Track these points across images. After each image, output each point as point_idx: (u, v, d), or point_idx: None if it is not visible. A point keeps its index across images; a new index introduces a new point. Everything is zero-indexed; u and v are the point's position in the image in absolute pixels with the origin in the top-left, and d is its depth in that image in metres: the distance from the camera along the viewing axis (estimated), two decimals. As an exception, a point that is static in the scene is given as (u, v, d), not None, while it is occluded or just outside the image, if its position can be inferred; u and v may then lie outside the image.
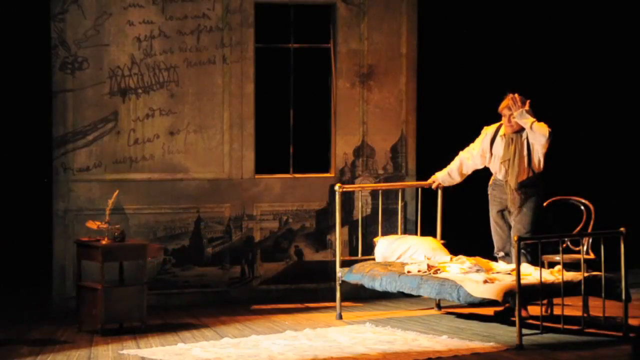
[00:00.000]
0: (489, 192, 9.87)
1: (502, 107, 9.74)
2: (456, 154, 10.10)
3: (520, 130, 9.67)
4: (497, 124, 9.88)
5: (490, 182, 9.89)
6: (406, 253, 9.83)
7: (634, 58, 13.08)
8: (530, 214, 9.60)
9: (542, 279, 8.54)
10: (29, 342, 8.83)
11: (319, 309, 10.30)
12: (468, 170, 10.06)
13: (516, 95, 9.64)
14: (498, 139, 9.79)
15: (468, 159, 10.00)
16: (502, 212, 9.78)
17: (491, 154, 9.82)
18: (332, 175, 11.00)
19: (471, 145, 10.01)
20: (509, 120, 9.68)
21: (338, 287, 9.81)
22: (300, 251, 10.86)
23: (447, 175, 10.10)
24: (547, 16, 12.84)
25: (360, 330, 9.11)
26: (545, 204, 9.75)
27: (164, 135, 10.61)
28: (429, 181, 10.18)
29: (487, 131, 9.94)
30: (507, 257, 9.79)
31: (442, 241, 10.09)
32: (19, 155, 11.55)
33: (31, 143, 11.41)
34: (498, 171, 9.78)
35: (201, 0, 10.62)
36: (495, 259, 9.69)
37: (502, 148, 9.72)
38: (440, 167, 10.89)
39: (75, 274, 9.66)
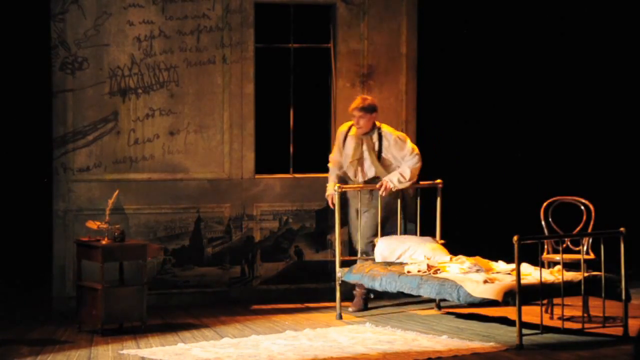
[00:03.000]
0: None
1: (352, 109, 10.01)
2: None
3: (369, 132, 9.96)
4: (350, 123, 10.15)
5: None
6: (406, 253, 9.83)
7: (638, 58, 13.07)
8: (376, 213, 9.95)
9: (542, 279, 8.54)
10: (29, 342, 8.83)
11: (319, 309, 10.30)
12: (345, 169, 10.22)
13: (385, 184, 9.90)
14: (349, 138, 10.07)
15: (339, 159, 10.13)
16: (357, 211, 10.07)
17: (344, 153, 10.10)
18: (332, 175, 10.98)
19: (335, 145, 10.24)
20: (358, 122, 9.96)
21: (338, 287, 9.81)
22: (300, 251, 10.86)
23: (342, 180, 10.12)
24: (547, 15, 12.83)
25: (360, 330, 9.11)
26: (545, 203, 9.75)
27: (164, 135, 10.61)
28: (329, 200, 10.09)
29: (342, 130, 10.22)
30: (364, 255, 10.03)
31: (442, 241, 10.09)
32: (19, 155, 11.55)
33: (31, 143, 11.41)
34: (347, 170, 10.06)
35: (201, 0, 10.63)
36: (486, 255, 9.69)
37: (352, 148, 9.96)
38: (440, 167, 10.90)
39: (75, 274, 9.66)
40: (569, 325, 8.92)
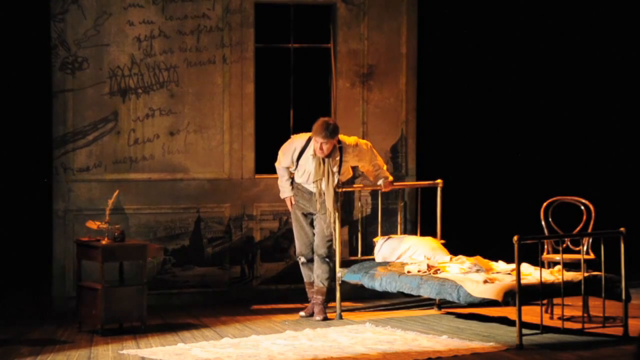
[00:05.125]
0: (293, 194, 9.89)
1: (316, 137, 9.54)
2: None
3: (330, 154, 9.62)
4: (306, 136, 9.75)
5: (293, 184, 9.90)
6: (406, 253, 9.83)
7: (637, 59, 13.07)
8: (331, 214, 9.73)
9: (542, 279, 8.54)
10: (29, 342, 8.83)
11: (319, 309, 10.28)
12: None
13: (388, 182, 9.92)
14: (309, 156, 9.69)
15: (290, 166, 9.88)
16: (306, 215, 9.86)
17: (297, 164, 9.77)
18: (332, 175, 10.97)
19: (283, 150, 9.88)
20: (321, 148, 9.55)
21: (338, 287, 9.81)
22: (300, 251, 10.85)
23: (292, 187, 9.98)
24: (547, 15, 12.83)
25: (360, 330, 9.11)
26: (545, 203, 9.76)
27: (164, 135, 10.61)
28: (288, 205, 9.99)
29: (296, 142, 9.81)
30: (309, 263, 9.91)
31: (442, 241, 10.09)
32: (19, 155, 11.55)
33: (31, 143, 11.41)
34: (305, 182, 9.76)
35: (201, 0, 10.63)
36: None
37: (314, 167, 9.65)
38: (439, 167, 10.90)
39: (75, 274, 9.67)
40: (569, 325, 8.92)
